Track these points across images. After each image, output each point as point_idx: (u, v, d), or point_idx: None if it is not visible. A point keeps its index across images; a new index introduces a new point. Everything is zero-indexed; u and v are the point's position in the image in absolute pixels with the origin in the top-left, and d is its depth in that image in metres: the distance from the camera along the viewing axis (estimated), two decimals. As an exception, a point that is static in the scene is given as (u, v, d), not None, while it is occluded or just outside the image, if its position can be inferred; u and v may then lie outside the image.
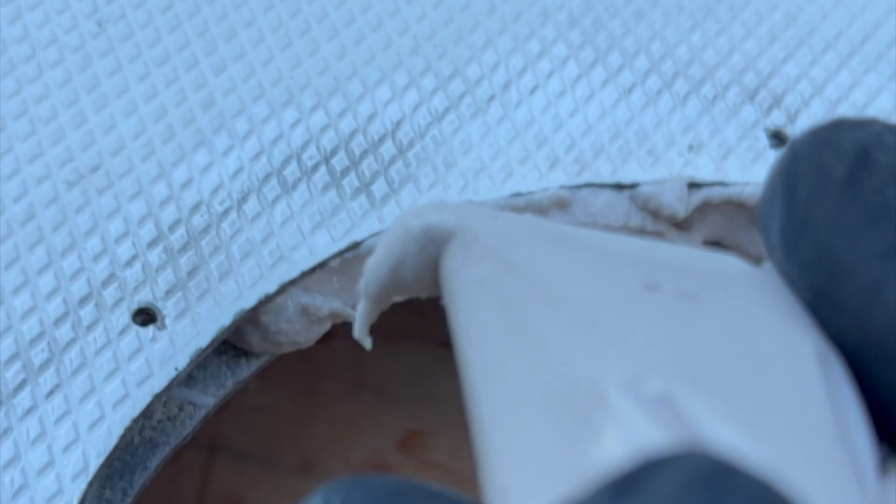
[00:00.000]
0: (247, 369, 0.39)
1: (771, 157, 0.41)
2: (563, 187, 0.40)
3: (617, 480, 0.16)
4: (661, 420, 0.18)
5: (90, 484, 0.34)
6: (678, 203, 0.40)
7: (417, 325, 0.51)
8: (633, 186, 0.40)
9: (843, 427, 0.19)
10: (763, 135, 0.41)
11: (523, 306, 0.20)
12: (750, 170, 0.41)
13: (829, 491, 0.18)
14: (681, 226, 0.41)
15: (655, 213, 0.40)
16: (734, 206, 0.41)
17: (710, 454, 0.16)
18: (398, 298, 0.24)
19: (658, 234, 0.40)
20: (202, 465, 0.51)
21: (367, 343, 0.27)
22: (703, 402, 0.18)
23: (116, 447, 0.37)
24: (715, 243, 0.42)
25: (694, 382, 0.18)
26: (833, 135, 0.21)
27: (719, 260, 0.22)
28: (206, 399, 0.39)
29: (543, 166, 0.40)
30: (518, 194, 0.39)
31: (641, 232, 0.40)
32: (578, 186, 0.40)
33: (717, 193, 0.40)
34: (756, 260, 0.29)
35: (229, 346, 0.39)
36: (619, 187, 0.40)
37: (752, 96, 0.42)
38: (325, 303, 0.39)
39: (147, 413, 0.38)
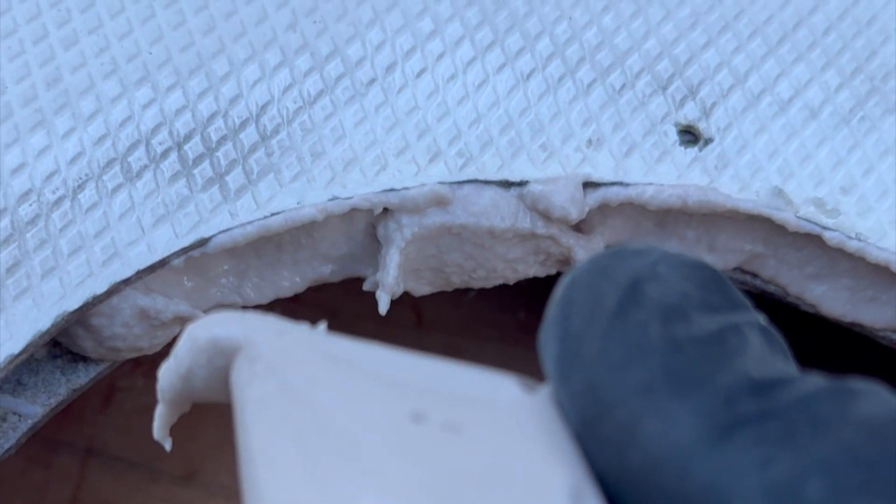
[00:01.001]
0: (84, 376, 0.35)
1: (679, 154, 0.36)
2: (442, 183, 0.35)
3: None
4: None
5: None
6: (571, 204, 0.35)
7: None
8: (521, 184, 0.36)
9: None
10: (673, 130, 0.37)
11: (297, 433, 0.21)
12: (654, 169, 0.36)
13: None
14: (580, 229, 0.37)
15: (546, 215, 0.35)
16: (637, 210, 0.36)
17: None
18: (201, 402, 0.25)
19: (551, 238, 0.36)
20: (76, 472, 0.47)
21: (168, 445, 0.27)
22: None
23: (-75, 461, 0.33)
24: (619, 249, 0.38)
25: None
26: (612, 263, 0.21)
27: (493, 386, 0.22)
28: (34, 409, 0.35)
29: (423, 159, 0.36)
30: (391, 190, 0.35)
31: (532, 235, 0.36)
32: (460, 182, 0.36)
33: (615, 194, 0.36)
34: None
35: (65, 350, 0.35)
36: (506, 185, 0.36)
37: (664, 86, 0.38)
38: (169, 305, 0.35)
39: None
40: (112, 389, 0.48)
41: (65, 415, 0.47)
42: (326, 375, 0.22)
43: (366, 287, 0.37)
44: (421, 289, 0.38)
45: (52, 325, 0.32)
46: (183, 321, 0.35)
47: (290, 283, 0.37)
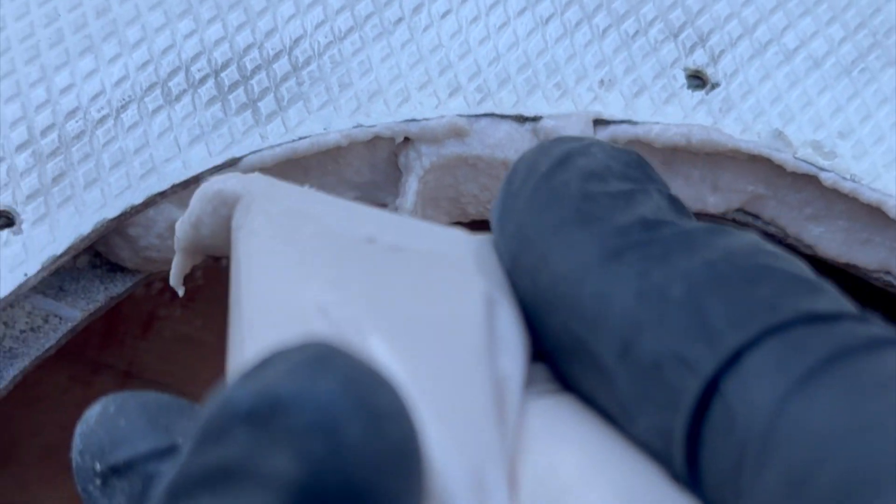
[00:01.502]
0: (121, 285, 0.38)
1: (686, 97, 0.38)
2: (460, 116, 0.38)
3: (252, 365, 0.19)
4: (333, 331, 0.22)
5: (-81, 385, 0.33)
6: (580, 139, 0.37)
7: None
8: (535, 119, 0.38)
9: (493, 348, 0.23)
10: (681, 74, 0.39)
11: (277, 249, 0.25)
12: (661, 110, 0.38)
13: (451, 389, 0.22)
14: (589, 166, 0.39)
15: (556, 149, 0.38)
16: (645, 149, 0.39)
17: (326, 343, 0.19)
18: (209, 253, 0.30)
19: (562, 173, 0.38)
20: (115, 392, 0.49)
21: (181, 291, 0.32)
22: (377, 332, 0.23)
23: (-28, 354, 0.36)
24: (628, 187, 0.40)
25: (369, 310, 0.23)
26: (552, 144, 0.25)
27: (443, 229, 0.27)
28: (74, 313, 0.37)
29: (443, 93, 0.38)
30: (412, 120, 0.38)
31: (543, 169, 0.38)
32: (478, 116, 0.38)
33: (623, 132, 0.38)
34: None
35: (104, 260, 0.38)
36: (520, 119, 0.38)
37: (675, 34, 0.40)
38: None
39: (9, 321, 0.37)
40: (152, 318, 0.51)
41: (106, 339, 0.50)
42: (305, 211, 0.27)
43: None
44: (439, 218, 0.40)
45: (93, 231, 0.35)
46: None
47: (316, 207, 0.39)
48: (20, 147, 0.36)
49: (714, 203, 0.39)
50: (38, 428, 0.49)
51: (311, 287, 0.24)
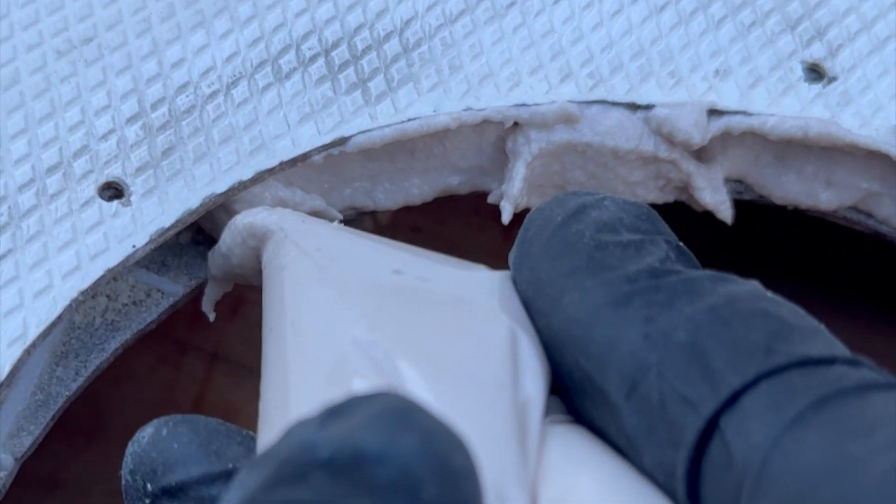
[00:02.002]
0: (224, 262, 0.38)
1: (803, 90, 0.38)
2: (571, 102, 0.37)
3: (332, 407, 0.20)
4: (378, 373, 0.24)
5: (26, 352, 0.33)
6: (694, 129, 0.37)
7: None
8: (648, 107, 0.37)
9: (517, 374, 0.25)
10: (799, 66, 0.38)
11: (309, 282, 0.28)
12: (778, 102, 0.37)
13: (477, 411, 0.24)
14: (700, 157, 0.38)
15: (669, 138, 0.37)
16: (758, 141, 0.38)
17: (401, 396, 0.20)
18: (239, 282, 0.34)
19: (672, 163, 0.37)
20: (201, 374, 0.50)
21: (211, 317, 0.37)
22: (408, 362, 0.24)
23: (76, 325, 0.36)
24: (738, 181, 0.39)
25: (400, 340, 0.25)
26: (567, 196, 0.28)
27: (467, 264, 0.29)
28: (176, 288, 0.37)
29: (555, 78, 0.38)
30: (522, 105, 0.37)
31: (654, 159, 0.37)
32: (589, 102, 0.37)
33: (738, 123, 0.37)
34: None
35: (207, 237, 0.38)
36: (633, 107, 0.37)
37: (793, 26, 0.39)
38: (307, 199, 0.37)
39: (112, 294, 0.36)
40: (240, 301, 0.51)
41: (194, 320, 0.50)
42: (334, 247, 0.29)
43: (491, 199, 0.39)
44: (543, 206, 0.39)
45: (201, 205, 0.35)
46: (318, 216, 0.37)
47: (419, 190, 0.39)
48: (130, 119, 0.36)
49: (827, 199, 0.39)
50: (124, 406, 0.49)
51: (346, 320, 0.26)
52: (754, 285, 0.25)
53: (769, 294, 0.24)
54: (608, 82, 0.38)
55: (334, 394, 0.23)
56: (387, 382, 0.24)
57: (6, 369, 0.32)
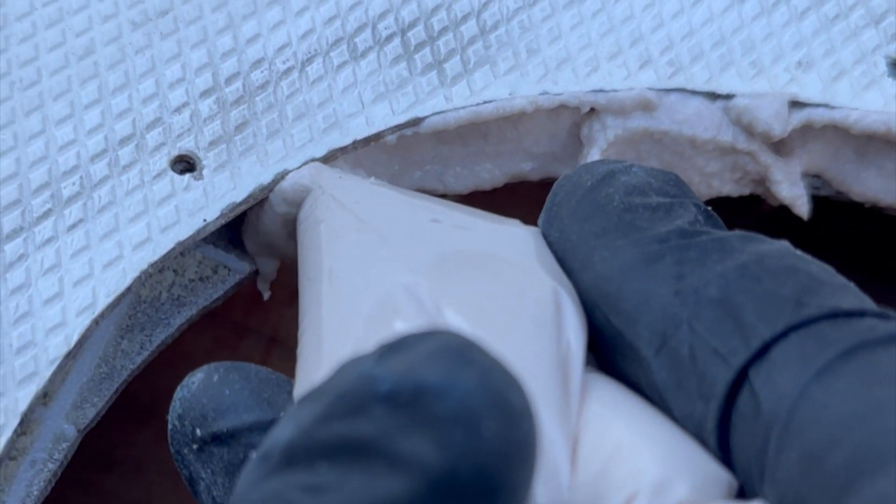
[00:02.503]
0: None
1: (887, 85, 0.37)
2: (650, 89, 0.36)
3: (388, 343, 0.20)
4: (420, 315, 0.25)
5: (95, 322, 0.32)
6: (775, 120, 0.36)
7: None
8: (728, 97, 0.37)
9: (560, 323, 0.25)
10: (882, 61, 0.37)
11: (346, 232, 0.28)
12: (861, 96, 0.37)
13: (523, 355, 0.24)
14: (779, 149, 0.37)
15: (749, 129, 0.36)
16: (839, 135, 0.37)
17: (458, 334, 0.20)
18: (272, 253, 0.35)
19: (750, 155, 0.37)
20: (259, 357, 0.49)
21: (266, 295, 0.38)
22: (451, 306, 0.25)
23: (142, 299, 0.36)
24: (816, 176, 0.38)
25: (448, 290, 0.25)
26: (594, 164, 0.28)
27: (500, 218, 0.29)
28: (243, 265, 0.37)
29: (633, 65, 0.37)
30: (600, 90, 0.36)
31: (731, 150, 0.37)
32: (668, 90, 0.37)
33: (820, 116, 0.36)
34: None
35: (276, 214, 0.37)
36: (712, 96, 0.37)
37: (877, 21, 0.38)
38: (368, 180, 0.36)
39: (179, 269, 0.36)
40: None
41: (253, 304, 0.50)
42: (372, 199, 0.30)
43: (564, 187, 0.38)
44: (616, 195, 0.39)
45: (273, 181, 0.35)
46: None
47: (490, 175, 0.38)
48: (204, 93, 0.36)
49: (906, 197, 0.38)
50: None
51: (386, 265, 0.26)
52: (784, 244, 0.25)
53: (798, 252, 0.24)
54: (688, 70, 0.37)
55: (373, 336, 0.24)
56: (430, 323, 0.24)
57: (74, 338, 0.32)
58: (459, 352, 0.20)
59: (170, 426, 0.28)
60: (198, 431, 0.27)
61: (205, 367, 0.28)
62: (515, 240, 0.28)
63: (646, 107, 0.36)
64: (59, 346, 0.32)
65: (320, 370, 0.25)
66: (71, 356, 0.32)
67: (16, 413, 0.31)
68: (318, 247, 0.29)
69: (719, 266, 0.24)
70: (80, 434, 0.34)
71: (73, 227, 0.33)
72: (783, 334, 0.22)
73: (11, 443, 0.31)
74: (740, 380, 0.23)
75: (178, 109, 0.35)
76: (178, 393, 0.28)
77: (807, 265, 0.24)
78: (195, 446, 0.27)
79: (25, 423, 0.32)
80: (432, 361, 0.19)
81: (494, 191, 0.39)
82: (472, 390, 0.19)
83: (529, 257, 0.27)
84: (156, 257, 0.33)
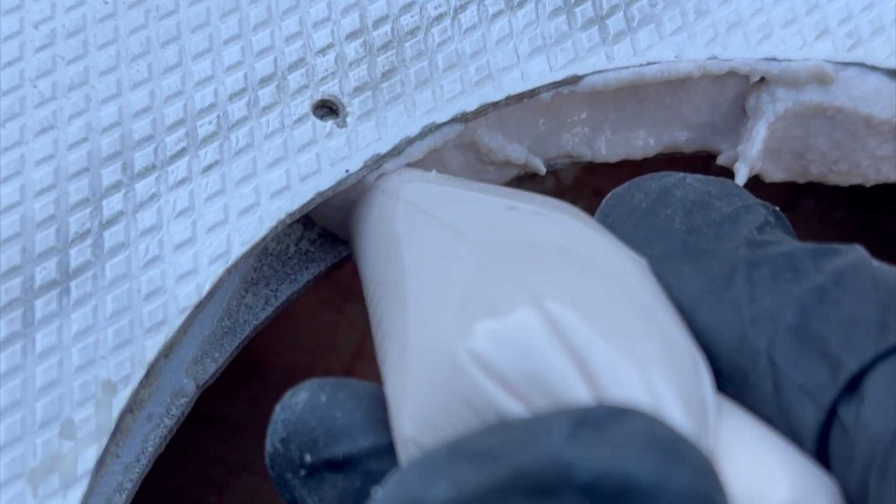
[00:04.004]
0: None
1: None
2: (827, 61, 0.34)
3: (579, 415, 0.18)
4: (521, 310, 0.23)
5: (227, 271, 0.30)
6: (963, 102, 0.33)
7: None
8: (911, 75, 0.34)
9: (669, 306, 0.24)
10: None
11: (418, 230, 0.27)
12: None
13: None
14: (959, 136, 0.35)
15: (932, 110, 0.33)
16: None
17: (655, 416, 0.19)
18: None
19: (930, 138, 0.34)
20: (365, 321, 0.47)
21: None
22: (556, 298, 0.23)
23: (269, 252, 0.33)
24: None
25: (544, 279, 0.23)
26: (645, 181, 0.26)
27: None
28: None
29: (809, 34, 0.34)
30: (773, 59, 0.34)
31: (910, 132, 0.34)
32: (845, 63, 0.34)
33: None
34: None
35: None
36: (893, 73, 0.34)
37: None
38: (505, 147, 0.34)
39: (308, 224, 0.34)
40: (408, 251, 0.48)
41: (360, 267, 0.48)
42: (440, 194, 0.29)
43: (721, 161, 0.36)
44: (775, 174, 0.36)
45: (419, 134, 0.32)
46: (512, 166, 0.35)
47: (644, 143, 0.36)
48: (351, 35, 0.33)
49: None
50: (282, 348, 0.47)
51: (467, 258, 0.25)
52: (858, 254, 0.23)
53: (874, 262, 0.23)
54: (868, 44, 0.34)
55: (465, 333, 0.23)
56: (538, 317, 0.23)
57: (206, 287, 0.30)
58: (669, 443, 0.18)
59: (270, 449, 0.25)
60: (307, 457, 0.24)
61: (307, 386, 0.25)
62: (594, 225, 0.26)
63: (821, 80, 0.34)
64: (189, 294, 0.30)
65: (409, 386, 0.24)
66: (201, 307, 0.30)
67: (142, 363, 0.29)
68: (390, 247, 0.28)
69: (794, 288, 0.22)
70: (198, 390, 0.32)
71: (208, 168, 0.31)
72: (871, 364, 0.21)
73: (135, 394, 0.29)
74: (829, 417, 0.21)
75: (322, 51, 0.33)
76: (280, 414, 0.25)
77: (885, 276, 0.22)
78: (303, 472, 0.25)
79: (148, 375, 0.30)
80: (640, 453, 0.18)
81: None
82: (685, 493, 0.17)
83: (615, 242, 0.25)
84: (294, 207, 0.31)
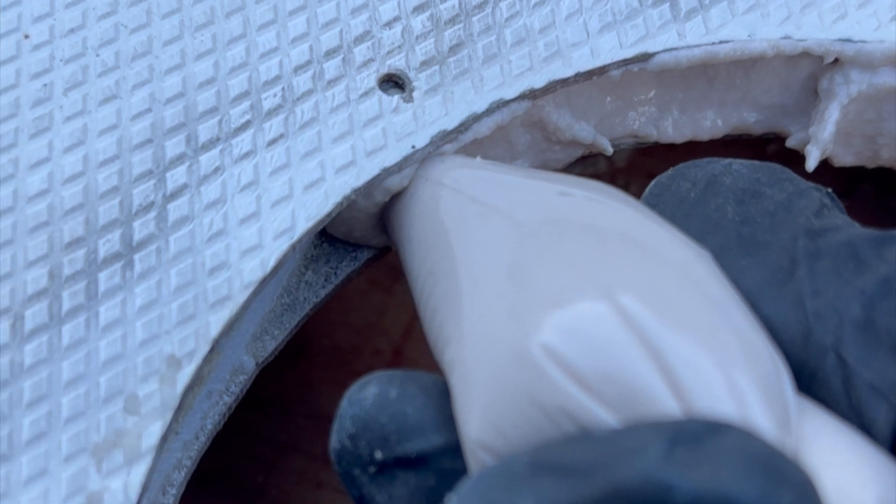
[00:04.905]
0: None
1: None
2: (904, 42, 0.33)
3: (675, 432, 0.18)
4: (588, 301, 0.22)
5: (292, 247, 0.30)
6: None
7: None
8: None
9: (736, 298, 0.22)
10: None
11: (467, 219, 0.26)
12: None
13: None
14: None
15: None
16: None
17: (753, 432, 0.18)
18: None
19: None
20: (414, 305, 0.46)
21: None
22: (623, 288, 0.22)
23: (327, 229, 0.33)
24: None
25: (607, 267, 0.22)
26: (689, 169, 0.25)
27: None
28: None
29: (885, 15, 0.34)
30: (847, 40, 0.33)
31: None
32: (923, 45, 0.33)
33: None
34: None
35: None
36: (973, 56, 0.33)
37: None
38: (573, 125, 0.33)
39: (369, 196, 0.33)
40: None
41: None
42: (487, 181, 0.28)
43: (790, 143, 0.35)
44: (845, 157, 0.35)
45: (486, 110, 0.32)
46: (578, 146, 0.34)
47: (712, 124, 0.35)
48: (418, 8, 0.33)
49: None
50: (331, 329, 0.46)
51: (526, 250, 0.24)
52: None
53: None
54: (946, 25, 0.33)
55: (524, 327, 0.22)
56: (610, 310, 0.22)
57: (271, 263, 0.29)
58: (770, 462, 0.17)
59: (337, 445, 0.24)
60: (377, 454, 0.24)
61: (374, 380, 0.24)
62: (650, 213, 0.25)
63: (897, 62, 0.33)
64: (254, 270, 0.29)
65: (472, 384, 0.23)
66: (265, 282, 0.29)
67: (207, 339, 0.28)
68: (438, 237, 0.27)
69: (858, 280, 0.22)
70: (257, 367, 0.32)
71: (273, 142, 0.31)
72: None
73: (199, 371, 0.28)
74: None
75: (388, 24, 0.32)
76: (348, 410, 0.24)
77: None
78: (372, 469, 0.24)
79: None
80: (741, 473, 0.17)
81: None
82: None
83: (676, 231, 0.24)
84: (359, 183, 0.30)
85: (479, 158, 0.30)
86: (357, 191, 0.30)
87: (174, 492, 0.29)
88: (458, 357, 0.24)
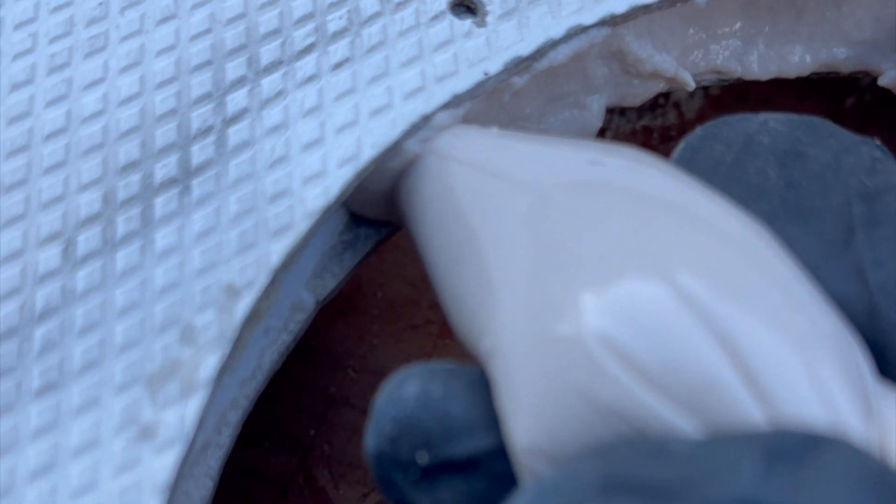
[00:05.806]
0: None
1: None
2: None
3: (770, 447, 0.16)
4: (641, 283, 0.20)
5: (357, 175, 0.28)
6: None
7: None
8: None
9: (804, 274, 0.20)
10: None
11: (489, 196, 0.24)
12: None
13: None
14: None
15: None
16: None
17: (854, 445, 0.16)
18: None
19: None
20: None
21: None
22: (682, 265, 0.20)
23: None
24: None
25: (656, 243, 0.20)
26: (722, 128, 0.23)
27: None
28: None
29: None
30: (949, -31, 0.31)
31: None
32: None
33: None
34: None
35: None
36: None
37: None
38: (653, 56, 0.31)
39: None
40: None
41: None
42: (504, 152, 0.25)
43: (882, 82, 0.33)
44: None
45: (563, 36, 0.30)
46: (660, 79, 0.32)
47: (800, 60, 0.33)
48: (491, -70, 0.31)
49: None
50: (385, 280, 0.44)
51: (564, 226, 0.22)
52: None
53: None
54: None
55: (560, 310, 0.20)
56: (667, 290, 0.19)
57: (335, 191, 0.28)
58: (882, 483, 0.16)
59: (374, 448, 0.22)
60: (421, 458, 0.21)
61: (414, 376, 0.22)
62: (696, 183, 0.22)
63: None
64: (317, 197, 0.28)
65: (513, 380, 0.21)
66: (329, 211, 0.28)
67: (267, 268, 0.27)
68: (456, 219, 0.25)
69: None
70: (317, 306, 0.30)
71: (338, 66, 0.29)
72: None
73: (258, 304, 0.27)
74: None
75: (459, -54, 0.31)
76: (386, 411, 0.22)
77: None
78: (414, 473, 0.22)
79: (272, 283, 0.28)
80: (853, 497, 0.15)
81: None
82: None
83: (728, 202, 0.22)
84: (429, 109, 0.29)
85: (495, 128, 0.28)
86: (426, 118, 0.29)
87: (230, 431, 0.28)
88: (497, 350, 0.22)
